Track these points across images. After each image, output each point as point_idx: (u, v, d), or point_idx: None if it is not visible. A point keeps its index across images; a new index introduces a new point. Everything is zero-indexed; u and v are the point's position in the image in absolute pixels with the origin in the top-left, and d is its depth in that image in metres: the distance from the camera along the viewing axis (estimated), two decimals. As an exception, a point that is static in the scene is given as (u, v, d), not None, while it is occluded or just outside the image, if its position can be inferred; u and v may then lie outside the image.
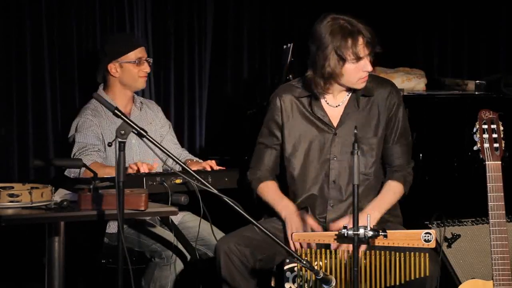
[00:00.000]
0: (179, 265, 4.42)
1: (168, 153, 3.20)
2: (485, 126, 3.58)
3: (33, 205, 3.46)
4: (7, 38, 4.90)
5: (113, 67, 4.56)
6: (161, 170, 4.46)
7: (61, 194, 3.64)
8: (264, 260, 3.90)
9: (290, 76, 4.80)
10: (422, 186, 4.69)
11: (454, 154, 4.87)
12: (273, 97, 4.06)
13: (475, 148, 3.59)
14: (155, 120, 4.73)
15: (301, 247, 3.77)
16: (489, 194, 3.53)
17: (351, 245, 3.33)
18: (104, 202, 3.43)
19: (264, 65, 5.74)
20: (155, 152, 3.46)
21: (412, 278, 3.48)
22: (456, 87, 5.39)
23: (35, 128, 4.97)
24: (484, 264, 4.34)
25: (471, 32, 6.09)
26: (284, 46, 4.90)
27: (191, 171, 3.22)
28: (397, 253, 3.48)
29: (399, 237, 3.43)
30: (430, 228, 4.31)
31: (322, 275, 3.27)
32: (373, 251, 3.51)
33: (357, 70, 3.86)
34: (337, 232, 3.39)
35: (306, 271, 3.53)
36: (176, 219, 4.55)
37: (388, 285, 3.50)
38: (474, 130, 3.59)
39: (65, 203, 3.46)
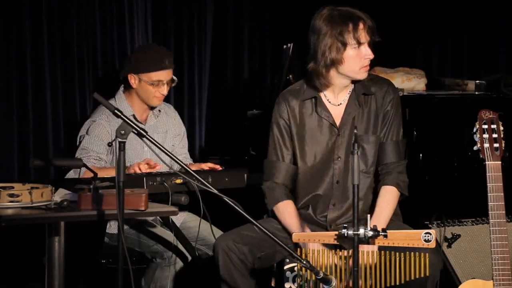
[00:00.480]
0: (180, 265, 4.43)
1: (168, 153, 3.19)
2: (485, 126, 3.58)
3: (33, 205, 3.46)
4: (7, 38, 4.90)
5: (132, 78, 4.51)
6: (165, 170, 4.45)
7: (61, 194, 3.64)
8: (263, 259, 3.89)
9: (290, 76, 4.80)
10: (422, 186, 4.69)
11: (454, 154, 4.87)
12: (279, 101, 4.02)
13: (475, 148, 3.58)
14: (170, 129, 4.70)
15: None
16: (489, 194, 3.52)
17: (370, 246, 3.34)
18: (104, 202, 3.43)
19: (264, 65, 5.74)
20: (158, 156, 3.47)
21: (412, 278, 3.48)
22: (456, 87, 5.39)
23: (35, 128, 4.97)
24: (484, 264, 4.34)
25: (471, 32, 6.09)
26: (284, 46, 4.90)
27: (191, 171, 3.22)
28: (397, 253, 3.48)
29: (399, 237, 3.43)
30: (430, 228, 4.31)
31: (322, 275, 3.27)
32: (377, 251, 3.50)
33: (359, 57, 3.85)
34: (337, 232, 3.38)
35: (306, 271, 3.53)
36: (178, 220, 4.55)
37: (388, 285, 3.50)
38: (474, 130, 3.59)
39: (65, 203, 3.46)
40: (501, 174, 3.53)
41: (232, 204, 3.19)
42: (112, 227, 4.45)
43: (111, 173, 4.14)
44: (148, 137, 3.16)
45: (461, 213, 4.54)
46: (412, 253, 3.47)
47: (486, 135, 3.57)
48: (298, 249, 3.56)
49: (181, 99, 5.45)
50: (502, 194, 3.52)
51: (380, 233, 3.32)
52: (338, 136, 3.95)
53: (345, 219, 3.94)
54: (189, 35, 5.48)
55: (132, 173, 4.20)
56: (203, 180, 3.22)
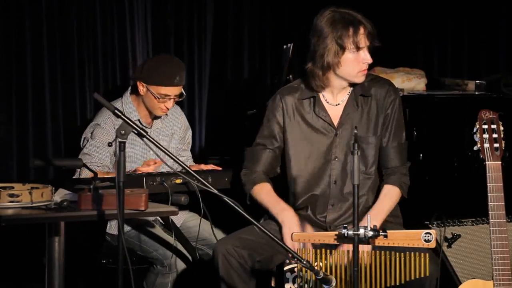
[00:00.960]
0: (180, 266, 4.42)
1: (168, 153, 3.19)
2: (485, 126, 3.58)
3: (33, 205, 3.46)
4: (7, 38, 4.90)
5: (140, 85, 4.47)
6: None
7: (61, 194, 3.64)
8: (263, 262, 3.89)
9: (290, 76, 4.80)
10: (422, 186, 4.69)
11: (454, 154, 4.87)
12: (275, 98, 4.04)
13: (475, 148, 3.58)
14: (176, 131, 4.69)
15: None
16: (489, 194, 3.52)
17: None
18: (104, 202, 3.43)
19: (264, 65, 5.74)
20: (159, 156, 3.47)
21: (412, 278, 3.48)
22: (456, 87, 5.39)
23: (34, 128, 4.97)
24: (484, 264, 4.34)
25: (471, 32, 6.09)
26: (284, 46, 4.90)
27: (191, 171, 3.22)
28: (397, 253, 3.48)
29: (399, 237, 3.43)
30: (430, 228, 4.31)
31: (322, 275, 3.27)
32: (373, 251, 3.50)
33: (357, 61, 3.85)
34: (337, 232, 3.38)
35: (306, 271, 3.53)
36: (178, 220, 4.55)
37: (388, 285, 3.50)
38: (474, 130, 3.59)
39: (65, 203, 3.46)
40: (501, 174, 3.53)
41: (232, 204, 3.19)
42: (112, 228, 4.44)
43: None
44: (149, 137, 3.16)
45: (461, 213, 4.53)
46: (412, 253, 3.47)
47: (486, 135, 3.57)
48: (298, 249, 3.56)
49: (181, 99, 5.45)
50: (502, 194, 3.52)
51: (380, 233, 3.32)
52: (335, 136, 3.95)
53: (344, 219, 3.94)
54: (189, 35, 5.48)
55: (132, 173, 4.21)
56: (203, 180, 3.22)
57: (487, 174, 3.53)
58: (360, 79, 3.91)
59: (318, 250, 3.53)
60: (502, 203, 3.51)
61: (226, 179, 4.31)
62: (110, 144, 3.23)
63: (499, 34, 6.07)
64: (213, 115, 5.57)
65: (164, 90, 4.43)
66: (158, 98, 4.43)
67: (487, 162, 3.54)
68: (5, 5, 4.87)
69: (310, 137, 3.97)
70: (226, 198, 3.18)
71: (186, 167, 3.23)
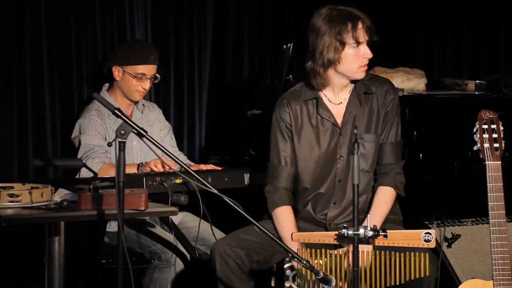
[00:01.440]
0: (179, 265, 4.42)
1: (168, 153, 3.20)
2: (485, 126, 3.58)
3: (33, 205, 3.46)
4: (7, 38, 4.90)
5: (116, 70, 4.58)
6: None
7: (61, 194, 3.64)
8: (261, 262, 3.89)
9: (290, 76, 4.80)
10: (422, 186, 4.69)
11: (454, 154, 4.87)
12: (280, 104, 4.01)
13: (475, 148, 3.58)
14: (156, 123, 4.74)
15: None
16: (489, 194, 3.52)
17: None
18: (104, 202, 3.43)
19: (264, 65, 5.74)
20: (155, 153, 3.46)
21: (412, 278, 3.48)
22: (456, 87, 5.39)
23: (34, 128, 4.97)
24: (484, 264, 4.34)
25: (471, 32, 6.09)
26: (284, 46, 4.90)
27: (191, 171, 3.22)
28: (397, 253, 3.48)
29: (399, 237, 3.43)
30: (430, 228, 4.31)
31: (322, 275, 3.27)
32: (373, 251, 3.50)
33: (357, 56, 3.85)
34: (337, 232, 3.38)
35: (306, 271, 3.53)
36: (176, 219, 4.55)
37: (388, 285, 3.50)
38: (474, 130, 3.59)
39: (65, 203, 3.46)
40: (501, 174, 3.53)
41: (232, 204, 3.19)
42: (112, 226, 4.45)
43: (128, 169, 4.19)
44: (148, 137, 3.16)
45: (461, 213, 4.53)
46: (412, 253, 3.47)
47: (486, 135, 3.57)
48: (298, 249, 3.56)
49: (181, 99, 5.45)
50: (502, 194, 3.52)
51: (380, 233, 3.32)
52: (340, 136, 3.95)
53: (343, 217, 3.94)
54: (189, 35, 5.48)
55: (149, 171, 4.23)
56: (203, 180, 3.22)
57: (487, 174, 3.53)
58: (360, 75, 3.90)
59: (318, 250, 3.53)
60: (502, 203, 3.51)
61: (226, 179, 4.31)
62: (110, 144, 3.22)
63: (499, 34, 6.07)
64: (213, 115, 5.57)
65: (141, 68, 4.55)
66: (135, 77, 4.52)
67: (487, 162, 3.54)
68: (5, 5, 4.87)
69: (316, 139, 3.96)
70: (226, 198, 3.18)
71: (186, 167, 3.23)
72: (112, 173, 3.84)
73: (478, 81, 5.27)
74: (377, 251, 3.50)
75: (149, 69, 4.57)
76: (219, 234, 4.19)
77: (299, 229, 3.89)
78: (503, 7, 6.01)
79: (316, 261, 3.51)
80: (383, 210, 3.88)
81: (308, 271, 3.42)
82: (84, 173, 4.32)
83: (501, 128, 3.59)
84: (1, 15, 4.87)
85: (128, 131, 3.11)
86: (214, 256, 3.81)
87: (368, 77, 4.00)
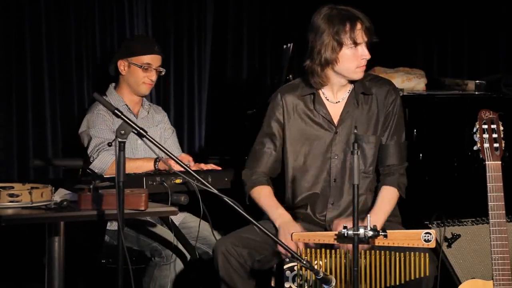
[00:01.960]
0: (179, 265, 4.43)
1: (168, 152, 3.19)
2: (485, 126, 3.58)
3: (33, 205, 3.46)
4: (7, 38, 4.90)
5: (122, 64, 4.60)
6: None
7: (61, 194, 3.64)
8: (262, 261, 3.89)
9: (290, 76, 4.80)
10: (422, 186, 4.69)
11: (454, 154, 4.86)
12: (275, 97, 4.04)
13: (475, 148, 3.58)
14: (160, 124, 4.74)
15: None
16: (489, 194, 3.52)
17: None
18: (104, 202, 3.43)
19: (264, 65, 5.74)
20: (155, 152, 3.46)
21: (412, 278, 3.48)
22: (456, 87, 5.39)
23: (34, 128, 4.97)
24: (484, 264, 4.34)
25: (471, 32, 6.09)
26: (284, 46, 4.90)
27: (191, 171, 3.22)
28: (397, 253, 3.48)
29: (399, 237, 3.43)
30: (430, 228, 4.31)
31: (322, 275, 3.27)
32: (373, 251, 3.50)
33: (355, 57, 3.85)
34: (337, 232, 3.38)
35: (306, 271, 3.53)
36: (177, 219, 4.55)
37: (388, 285, 3.50)
38: (474, 130, 3.59)
39: (65, 203, 3.46)
40: (501, 174, 3.53)
41: (232, 204, 3.19)
42: (113, 224, 4.45)
43: (143, 164, 4.19)
44: (148, 137, 3.16)
45: (461, 213, 4.53)
46: (412, 253, 3.47)
47: (486, 135, 3.57)
48: (298, 249, 3.56)
49: (181, 99, 5.45)
50: (502, 194, 3.52)
51: (380, 233, 3.32)
52: (335, 134, 3.95)
53: (343, 218, 3.93)
54: (189, 35, 5.48)
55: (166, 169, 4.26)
56: (203, 180, 3.22)
57: (487, 174, 3.53)
58: (358, 75, 3.90)
59: (318, 250, 3.53)
60: (502, 203, 3.51)
61: (226, 179, 4.31)
62: (110, 144, 3.22)
63: (499, 34, 6.07)
64: (213, 115, 5.57)
65: (146, 58, 4.59)
66: (141, 67, 4.55)
67: (487, 162, 3.54)
68: (5, 5, 4.87)
69: (310, 135, 3.97)
70: (226, 198, 3.18)
71: (186, 167, 3.23)
72: (131, 167, 3.87)
73: (478, 81, 5.27)
74: (377, 251, 3.50)
75: (154, 60, 4.60)
76: (219, 236, 4.19)
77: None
78: (503, 7, 6.01)
79: (316, 263, 3.51)
80: (386, 209, 3.88)
81: (308, 271, 3.41)
82: (97, 163, 4.33)
83: (501, 128, 3.59)
84: (1, 15, 4.87)
85: (128, 131, 3.11)
86: (216, 255, 3.81)
87: (369, 77, 4.00)
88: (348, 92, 3.98)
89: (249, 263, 3.83)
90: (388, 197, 3.91)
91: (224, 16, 5.62)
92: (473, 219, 4.50)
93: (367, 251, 3.52)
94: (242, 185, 4.04)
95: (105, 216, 3.42)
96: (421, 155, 4.80)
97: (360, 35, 3.83)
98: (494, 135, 3.57)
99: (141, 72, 4.58)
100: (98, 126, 4.48)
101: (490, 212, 3.52)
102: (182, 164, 3.25)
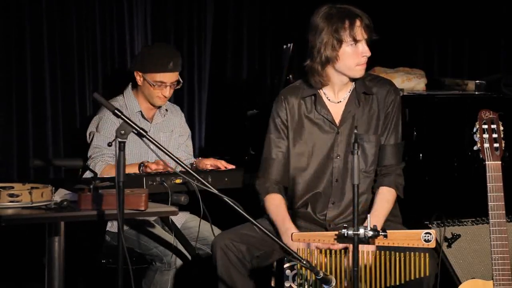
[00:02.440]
0: (180, 265, 4.42)
1: (168, 152, 3.19)
2: (485, 126, 3.58)
3: (33, 205, 3.46)
4: (7, 38, 4.90)
5: (137, 76, 4.51)
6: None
7: (61, 194, 3.64)
8: (261, 258, 3.89)
9: (290, 76, 4.80)
10: (422, 186, 4.69)
11: (454, 154, 4.87)
12: (278, 100, 4.03)
13: (475, 148, 3.58)
14: (176, 128, 4.71)
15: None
16: (489, 194, 3.52)
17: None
18: (104, 202, 3.43)
19: (264, 65, 5.74)
20: (156, 153, 3.46)
21: (412, 278, 3.48)
22: (456, 87, 5.39)
23: (35, 128, 4.97)
24: (484, 264, 4.34)
25: (472, 32, 6.09)
26: (284, 46, 4.90)
27: (191, 171, 3.21)
28: (397, 253, 3.48)
29: (399, 237, 3.43)
30: (430, 228, 4.31)
31: (322, 275, 3.27)
32: (373, 251, 3.50)
33: (355, 55, 3.85)
34: (337, 232, 3.38)
35: (306, 270, 3.53)
36: (179, 221, 4.55)
37: (388, 285, 3.50)
38: (474, 130, 3.59)
39: (65, 203, 3.46)
40: (501, 174, 3.53)
41: (232, 204, 3.18)
42: (113, 226, 4.45)
43: (128, 170, 4.18)
44: (148, 137, 3.16)
45: (461, 213, 4.53)
46: (412, 253, 3.47)
47: (486, 135, 3.57)
48: (298, 249, 3.56)
49: (181, 99, 5.45)
50: (502, 194, 3.52)
51: (380, 233, 3.31)
52: (337, 134, 3.95)
53: (343, 218, 3.94)
54: (189, 35, 5.48)
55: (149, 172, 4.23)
56: (203, 180, 3.22)
57: (487, 174, 3.53)
58: (359, 73, 3.90)
59: (318, 250, 3.53)
60: (502, 203, 3.51)
61: (226, 179, 4.31)
62: (110, 144, 3.22)
63: (499, 34, 6.07)
64: (213, 115, 5.57)
65: (159, 77, 4.47)
66: (153, 85, 4.46)
67: (487, 162, 3.54)
68: (5, 5, 4.87)
69: (312, 135, 3.97)
70: (226, 198, 3.18)
71: (186, 167, 3.23)
72: (113, 173, 3.83)
73: (478, 81, 5.27)
74: (377, 251, 3.50)
75: (167, 77, 4.49)
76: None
77: (299, 228, 3.89)
78: (503, 7, 6.01)
79: (316, 263, 3.51)
80: (385, 209, 3.87)
81: (308, 271, 3.41)
82: (88, 173, 4.32)
83: (501, 128, 3.59)
84: (1, 15, 4.87)
85: (128, 131, 3.11)
86: (215, 251, 3.81)
87: (370, 77, 4.00)
88: (349, 92, 3.98)
89: (248, 259, 3.83)
90: (386, 197, 3.90)
91: (224, 16, 5.62)
92: (473, 219, 4.50)
93: (372, 252, 3.51)
94: (256, 194, 4.01)
95: (105, 216, 3.42)
96: (421, 155, 4.80)
97: (359, 32, 3.83)
98: (494, 135, 3.57)
99: (153, 88, 4.49)
100: (103, 133, 4.43)
101: (490, 212, 3.52)
102: (183, 164, 3.25)
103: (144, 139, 3.16)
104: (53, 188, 3.60)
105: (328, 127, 3.96)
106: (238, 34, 5.67)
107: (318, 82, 3.92)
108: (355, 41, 3.82)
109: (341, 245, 3.60)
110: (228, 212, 3.26)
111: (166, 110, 4.67)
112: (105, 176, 4.17)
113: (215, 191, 3.21)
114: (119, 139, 3.09)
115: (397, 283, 3.50)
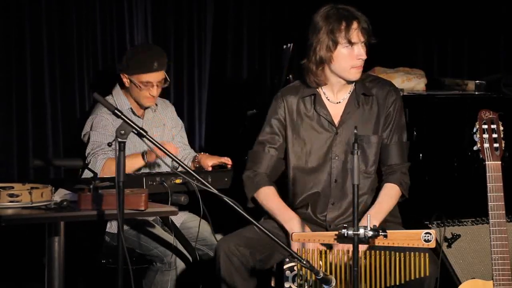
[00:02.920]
0: (180, 266, 4.42)
1: (168, 152, 3.19)
2: (485, 126, 3.58)
3: (33, 205, 3.46)
4: (7, 38, 4.90)
5: (124, 78, 4.54)
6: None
7: (61, 194, 3.64)
8: (264, 260, 3.89)
9: (290, 76, 4.80)
10: (422, 186, 4.69)
11: (454, 154, 4.86)
12: (276, 98, 4.04)
13: (475, 148, 3.58)
14: (168, 121, 4.72)
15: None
16: (489, 194, 3.52)
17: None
18: (104, 202, 3.43)
19: (264, 65, 5.74)
20: (156, 153, 3.47)
21: (412, 278, 3.48)
22: (456, 87, 5.39)
23: (35, 128, 4.97)
24: (484, 264, 4.34)
25: (471, 32, 6.09)
26: (284, 46, 4.90)
27: (191, 171, 3.22)
28: (397, 253, 3.48)
29: (399, 237, 3.43)
30: (430, 228, 4.31)
31: (322, 275, 3.27)
32: (373, 251, 3.50)
33: (350, 57, 3.84)
34: (337, 232, 3.38)
35: (306, 271, 3.53)
36: (178, 220, 4.55)
37: (388, 285, 3.50)
38: (474, 130, 3.59)
39: (65, 203, 3.46)
40: (501, 174, 3.53)
41: (232, 204, 3.18)
42: (113, 227, 4.45)
43: (133, 160, 4.17)
44: (148, 137, 3.16)
45: (461, 213, 4.53)
46: (412, 253, 3.47)
47: (486, 135, 3.57)
48: (298, 249, 3.56)
49: (181, 98, 5.45)
50: (502, 194, 3.52)
51: (380, 233, 3.31)
52: (336, 135, 3.95)
53: (344, 219, 3.94)
54: (189, 35, 5.48)
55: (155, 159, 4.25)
56: (203, 180, 3.22)
57: (487, 174, 3.53)
58: (353, 76, 3.89)
59: (318, 250, 3.53)
60: (502, 203, 3.51)
61: (226, 179, 4.31)
62: (109, 144, 3.23)
63: (499, 34, 6.07)
64: (213, 115, 5.57)
65: (145, 77, 4.48)
66: (140, 87, 4.47)
67: (487, 162, 3.54)
68: (5, 5, 4.87)
69: (311, 135, 3.97)
70: (226, 198, 3.18)
71: (186, 167, 3.23)
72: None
73: (478, 81, 5.27)
74: (377, 251, 3.50)
75: (153, 77, 4.50)
76: (220, 236, 4.18)
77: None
78: (502, 7, 6.01)
79: (316, 263, 3.51)
80: (387, 205, 3.88)
81: (308, 271, 3.41)
82: (88, 173, 4.32)
83: (501, 128, 3.59)
84: (1, 15, 4.87)
85: (128, 131, 3.11)
86: (218, 255, 3.80)
87: (370, 78, 4.00)
88: (349, 93, 3.98)
89: (251, 263, 3.83)
90: (389, 194, 3.91)
91: (224, 16, 5.62)
92: (473, 219, 4.50)
93: (367, 251, 3.52)
94: (243, 187, 4.02)
95: (105, 216, 3.42)
96: (421, 155, 4.80)
97: (355, 34, 3.82)
98: (494, 135, 3.57)
99: (139, 89, 4.50)
100: (99, 130, 4.45)
101: (490, 212, 3.52)
102: (181, 164, 3.25)
103: (144, 139, 3.16)
104: (53, 188, 3.60)
105: (326, 127, 3.96)
106: (238, 34, 5.66)
107: (313, 82, 3.92)
108: (351, 43, 3.81)
109: (340, 245, 3.60)
110: (228, 213, 3.26)
111: (156, 104, 4.69)
112: (106, 173, 4.18)
113: (215, 191, 3.21)
114: (119, 139, 3.09)
115: (397, 283, 3.50)
